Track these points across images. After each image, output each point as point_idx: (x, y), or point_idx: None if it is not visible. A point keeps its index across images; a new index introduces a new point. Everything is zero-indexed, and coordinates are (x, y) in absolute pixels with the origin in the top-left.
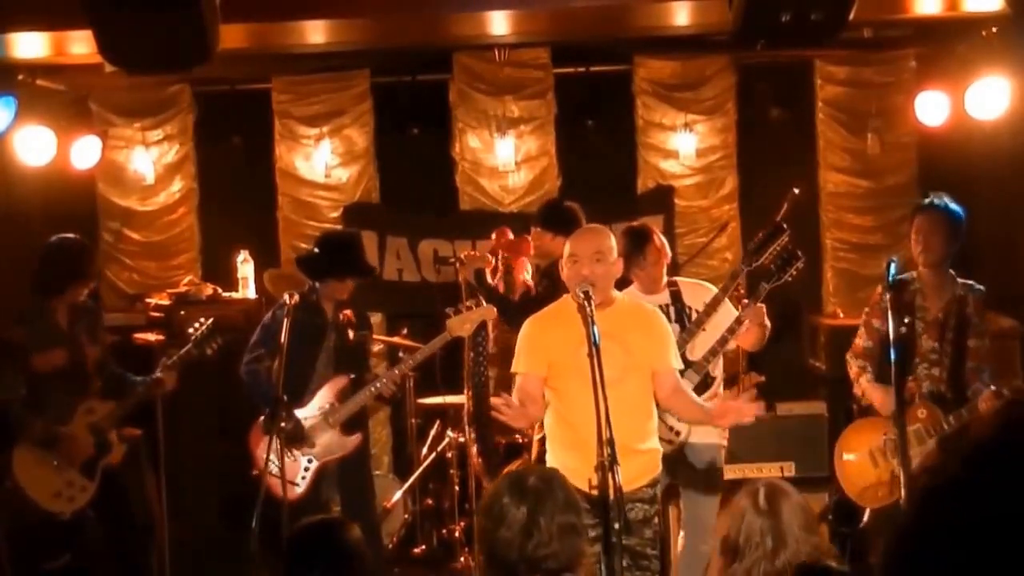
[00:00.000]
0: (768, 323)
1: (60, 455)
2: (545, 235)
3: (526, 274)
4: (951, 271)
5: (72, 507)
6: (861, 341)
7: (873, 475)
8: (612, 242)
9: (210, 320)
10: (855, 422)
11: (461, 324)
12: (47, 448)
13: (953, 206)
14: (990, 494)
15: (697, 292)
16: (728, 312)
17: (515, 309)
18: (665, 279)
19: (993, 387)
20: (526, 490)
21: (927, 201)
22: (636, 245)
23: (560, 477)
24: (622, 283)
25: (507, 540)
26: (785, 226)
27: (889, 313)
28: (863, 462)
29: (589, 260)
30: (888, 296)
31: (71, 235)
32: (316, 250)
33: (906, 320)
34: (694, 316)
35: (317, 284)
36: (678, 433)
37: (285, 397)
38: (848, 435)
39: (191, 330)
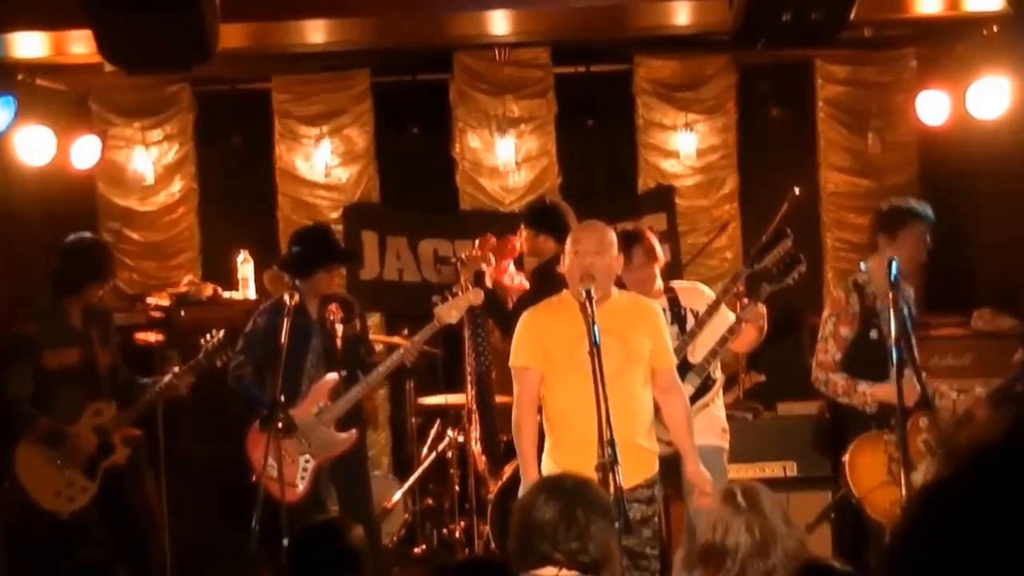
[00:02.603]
0: (765, 325)
1: (63, 454)
2: (529, 233)
3: (512, 278)
4: None
5: (71, 507)
6: (829, 356)
7: (896, 491)
8: (613, 238)
9: (221, 333)
10: (858, 441)
11: (448, 311)
12: (51, 446)
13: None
14: (998, 497)
15: (693, 295)
16: (724, 315)
17: (511, 314)
18: (660, 284)
19: (983, 389)
20: (563, 488)
21: (921, 211)
22: (623, 247)
23: (594, 483)
24: (619, 286)
25: (542, 528)
26: (789, 231)
27: (891, 312)
28: (882, 478)
29: (592, 252)
30: (892, 295)
31: (88, 235)
32: (295, 248)
33: (875, 321)
34: (690, 318)
35: (298, 283)
36: None
37: (283, 398)
38: (859, 454)
39: (203, 341)
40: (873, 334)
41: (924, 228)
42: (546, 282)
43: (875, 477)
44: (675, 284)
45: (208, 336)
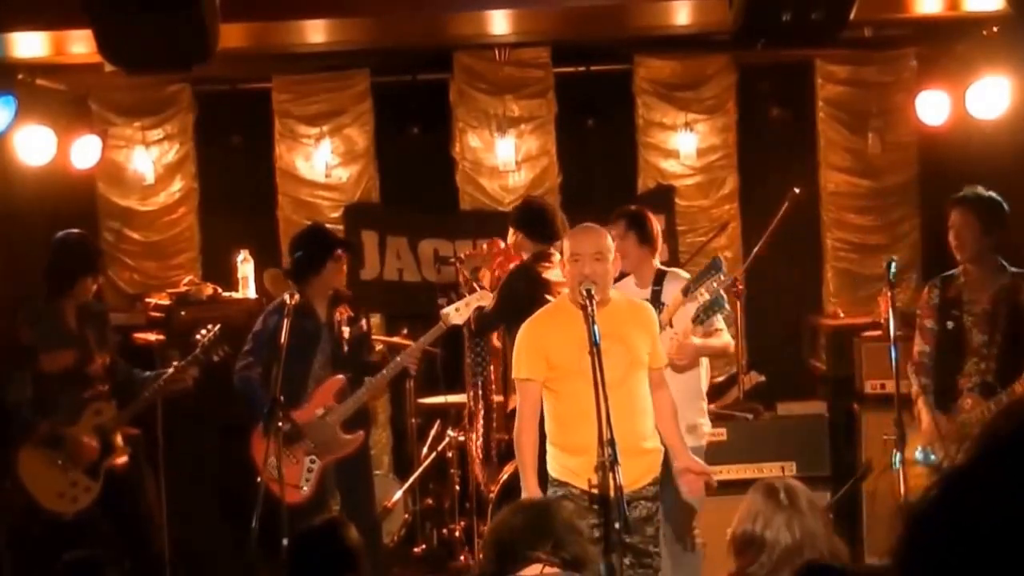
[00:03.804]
0: (723, 342)
1: (65, 455)
2: (513, 231)
3: None
4: (1001, 261)
5: (75, 508)
6: (918, 347)
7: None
8: (610, 241)
9: (217, 327)
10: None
11: (455, 313)
12: (53, 449)
13: (987, 195)
14: (1009, 488)
15: (674, 288)
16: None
17: (483, 314)
18: (656, 267)
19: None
20: (532, 505)
21: (958, 195)
22: (622, 225)
23: (562, 504)
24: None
25: (517, 534)
26: (721, 262)
27: (891, 312)
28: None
29: (590, 259)
30: (890, 295)
31: (73, 230)
32: (298, 253)
33: (954, 313)
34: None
35: (306, 285)
36: None
37: (282, 399)
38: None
39: (199, 336)
40: (949, 324)
41: (953, 217)
42: (522, 278)
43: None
44: (668, 277)
45: (204, 330)
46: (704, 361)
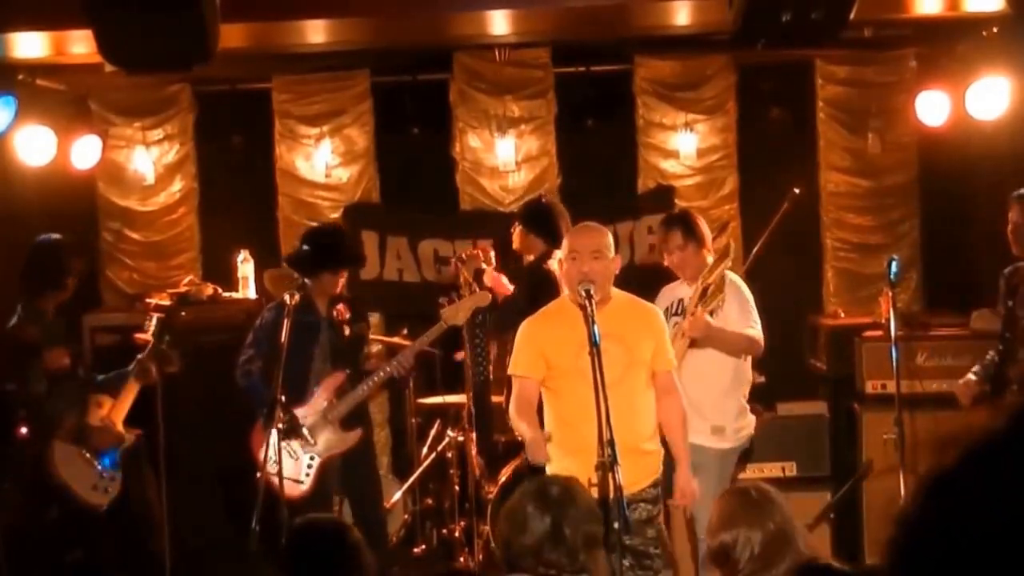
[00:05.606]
0: (748, 334)
1: (90, 447)
2: (521, 231)
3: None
4: None
5: (107, 498)
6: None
7: None
8: (610, 240)
9: (155, 318)
10: None
11: (455, 313)
12: (79, 442)
13: None
14: (999, 490)
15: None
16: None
17: (504, 311)
18: (710, 261)
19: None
20: (550, 500)
21: (1022, 192)
22: (664, 230)
23: (580, 486)
24: (663, 274)
25: (529, 548)
26: (731, 250)
27: (892, 311)
28: None
29: (588, 257)
30: (891, 294)
31: (54, 235)
32: (305, 247)
33: (1009, 303)
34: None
35: (307, 281)
36: None
37: (283, 398)
38: None
39: (145, 326)
40: (1005, 312)
41: (1015, 213)
42: (535, 278)
43: None
44: (730, 277)
45: (146, 323)
46: (735, 361)
